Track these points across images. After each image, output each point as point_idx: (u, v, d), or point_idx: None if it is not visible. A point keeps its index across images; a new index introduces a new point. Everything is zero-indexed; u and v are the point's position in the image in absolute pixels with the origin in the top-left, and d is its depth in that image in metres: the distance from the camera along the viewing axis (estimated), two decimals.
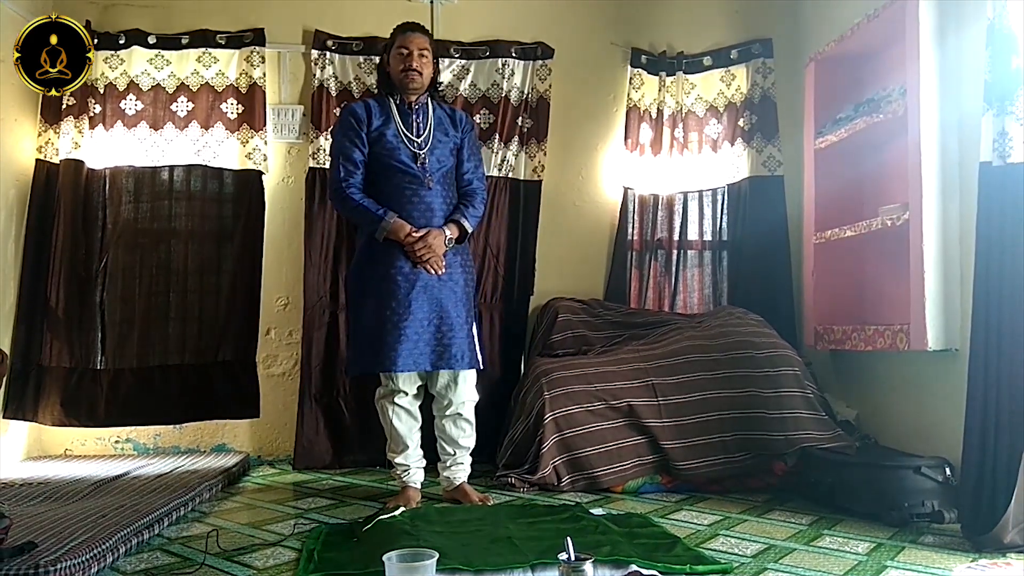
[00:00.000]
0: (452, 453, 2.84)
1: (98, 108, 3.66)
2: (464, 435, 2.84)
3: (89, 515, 2.33)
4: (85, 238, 3.61)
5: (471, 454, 2.90)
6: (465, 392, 2.82)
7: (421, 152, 2.75)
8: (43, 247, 3.56)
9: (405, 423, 2.80)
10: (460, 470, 2.85)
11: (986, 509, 2.17)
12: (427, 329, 2.68)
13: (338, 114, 3.04)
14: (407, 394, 2.78)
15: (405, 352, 2.64)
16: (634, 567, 1.90)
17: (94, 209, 3.63)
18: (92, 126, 3.64)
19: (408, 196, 2.73)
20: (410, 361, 2.66)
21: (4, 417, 3.46)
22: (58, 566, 1.82)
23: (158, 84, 3.71)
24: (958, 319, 2.76)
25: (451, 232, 2.74)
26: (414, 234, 2.67)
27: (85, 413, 3.54)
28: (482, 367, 2.89)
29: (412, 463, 2.82)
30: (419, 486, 2.85)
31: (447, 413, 2.82)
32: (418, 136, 2.77)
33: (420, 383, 2.83)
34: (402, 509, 2.55)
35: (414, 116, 2.80)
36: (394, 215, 2.69)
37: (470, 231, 2.82)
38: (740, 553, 2.21)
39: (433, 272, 2.70)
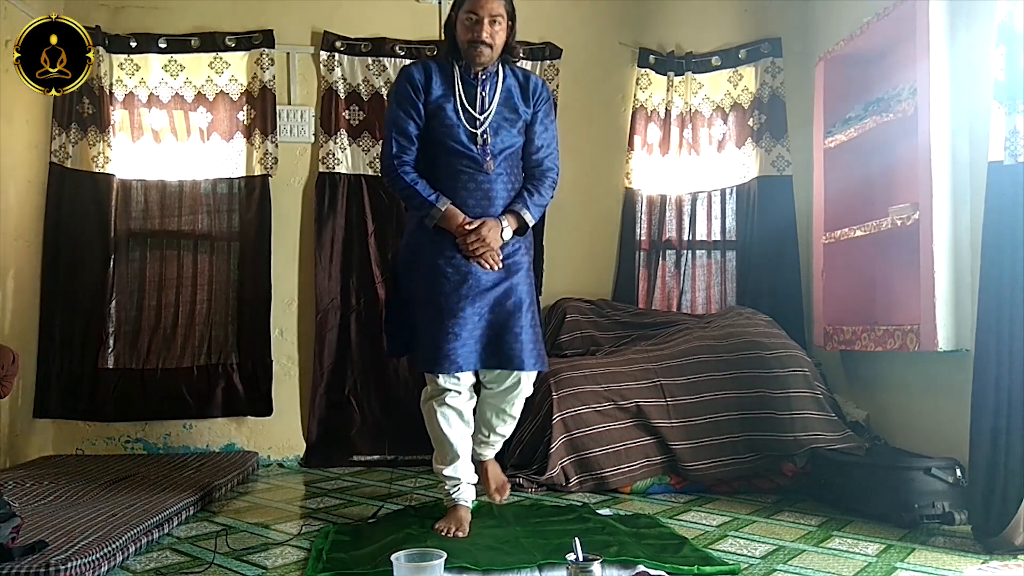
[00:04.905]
0: (486, 435, 2.60)
1: (117, 117, 3.72)
2: (504, 425, 2.59)
3: (99, 514, 2.35)
4: (103, 245, 3.66)
5: None
6: (523, 393, 2.52)
7: (482, 131, 2.41)
8: (60, 251, 3.63)
9: (455, 428, 2.43)
10: (488, 448, 2.64)
11: (997, 511, 2.16)
12: (478, 325, 2.34)
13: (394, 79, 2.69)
14: (459, 393, 2.43)
15: (462, 352, 2.32)
16: (642, 568, 1.90)
17: (114, 217, 3.68)
18: (114, 135, 3.70)
19: (464, 181, 2.40)
20: (459, 360, 2.33)
21: (34, 416, 3.55)
22: (68, 565, 1.84)
23: (176, 94, 3.76)
24: (969, 319, 2.73)
25: (508, 224, 2.40)
26: (467, 226, 2.35)
27: (104, 412, 3.63)
28: (545, 368, 2.52)
29: (463, 477, 2.46)
30: (471, 505, 2.48)
31: (491, 402, 2.54)
32: (482, 112, 2.43)
33: (473, 380, 2.49)
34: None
35: (479, 87, 2.44)
36: (447, 202, 2.36)
37: (530, 223, 2.46)
38: (749, 554, 2.21)
39: (488, 267, 2.37)
